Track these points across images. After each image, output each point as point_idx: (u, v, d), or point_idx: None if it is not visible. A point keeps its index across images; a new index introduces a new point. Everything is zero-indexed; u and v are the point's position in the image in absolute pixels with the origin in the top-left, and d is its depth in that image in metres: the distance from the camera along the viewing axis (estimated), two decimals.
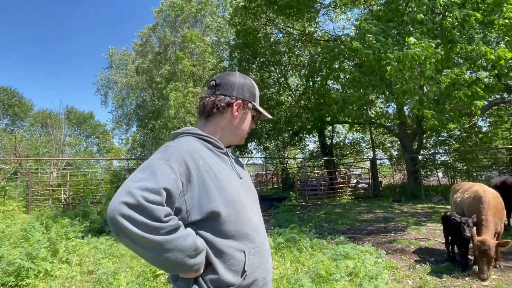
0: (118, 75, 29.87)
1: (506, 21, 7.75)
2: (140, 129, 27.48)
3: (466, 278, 4.68)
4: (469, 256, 5.20)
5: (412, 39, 6.96)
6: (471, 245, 4.86)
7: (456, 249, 5.48)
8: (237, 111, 1.52)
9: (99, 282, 4.64)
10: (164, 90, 18.31)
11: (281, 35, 19.11)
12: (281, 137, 22.32)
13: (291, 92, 21.04)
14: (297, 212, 12.05)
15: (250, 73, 17.78)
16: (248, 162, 28.87)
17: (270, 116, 1.69)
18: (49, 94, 66.83)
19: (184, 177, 1.28)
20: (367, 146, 25.85)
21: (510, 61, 8.59)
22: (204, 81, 21.12)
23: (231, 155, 1.54)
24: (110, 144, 36.06)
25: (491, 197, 5.22)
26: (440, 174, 20.35)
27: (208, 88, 1.55)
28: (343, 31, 20.00)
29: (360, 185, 19.08)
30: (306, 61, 19.15)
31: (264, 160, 25.89)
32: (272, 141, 23.28)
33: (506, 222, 7.18)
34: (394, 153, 25.33)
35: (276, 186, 23.65)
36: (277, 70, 19.43)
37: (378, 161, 21.58)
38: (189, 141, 1.41)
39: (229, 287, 1.31)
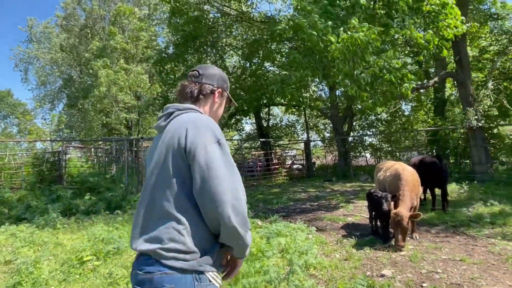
0: (40, 50, 27.20)
1: (434, 6, 8.26)
2: (68, 108, 25.56)
3: (387, 250, 5.08)
4: (390, 230, 5.63)
5: (354, 22, 7.14)
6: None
7: (379, 223, 5.91)
8: (217, 98, 1.79)
9: (18, 272, 4.28)
10: (92, 70, 17.14)
11: (218, 15, 18.65)
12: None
13: (229, 75, 20.84)
14: None
15: (187, 55, 17.13)
16: None
17: (236, 104, 2.02)
18: None
19: None
20: (302, 128, 26.73)
21: (431, 49, 9.22)
22: (138, 59, 20.09)
23: None
24: (33, 125, 33.20)
25: (409, 174, 5.70)
26: (368, 155, 21.68)
27: (193, 77, 1.75)
28: (279, 13, 20.07)
29: (294, 166, 19.71)
30: (243, 42, 18.99)
31: None
32: None
33: (422, 197, 7.92)
34: (327, 135, 26.48)
35: None
36: (214, 51, 19.04)
37: (311, 143, 22.42)
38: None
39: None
